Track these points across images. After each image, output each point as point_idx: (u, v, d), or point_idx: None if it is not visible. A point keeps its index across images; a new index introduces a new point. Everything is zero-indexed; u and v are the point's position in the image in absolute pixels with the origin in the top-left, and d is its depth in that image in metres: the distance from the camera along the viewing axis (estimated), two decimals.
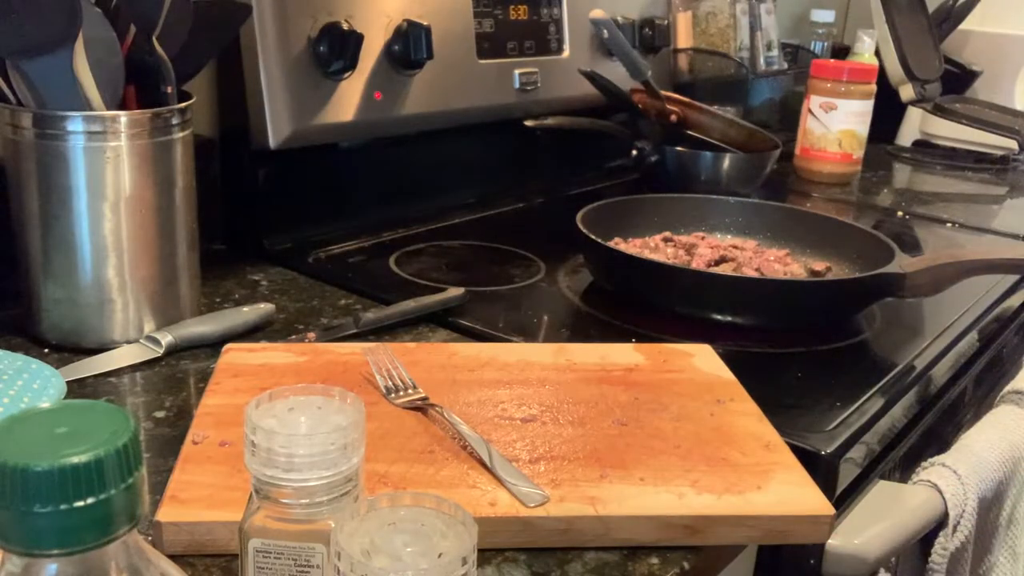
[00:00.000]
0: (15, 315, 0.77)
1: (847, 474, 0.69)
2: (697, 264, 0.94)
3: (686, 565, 0.54)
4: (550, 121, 1.23)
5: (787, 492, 0.57)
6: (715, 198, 1.09)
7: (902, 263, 0.86)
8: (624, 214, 1.04)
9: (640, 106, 1.29)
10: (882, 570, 0.71)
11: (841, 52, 1.82)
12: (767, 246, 1.02)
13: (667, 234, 1.03)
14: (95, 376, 0.71)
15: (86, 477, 0.27)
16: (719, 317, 0.85)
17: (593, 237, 0.89)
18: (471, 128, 1.19)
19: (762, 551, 0.69)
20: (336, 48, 0.97)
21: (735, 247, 0.99)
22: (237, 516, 0.40)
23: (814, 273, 0.97)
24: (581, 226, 0.91)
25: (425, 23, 1.04)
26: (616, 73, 1.28)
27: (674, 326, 0.84)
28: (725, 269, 0.93)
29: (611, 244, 0.93)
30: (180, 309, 0.79)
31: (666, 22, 1.45)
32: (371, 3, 1.02)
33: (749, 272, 0.92)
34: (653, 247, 1.00)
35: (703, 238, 1.03)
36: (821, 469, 0.65)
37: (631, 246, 0.99)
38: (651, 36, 1.42)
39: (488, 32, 1.17)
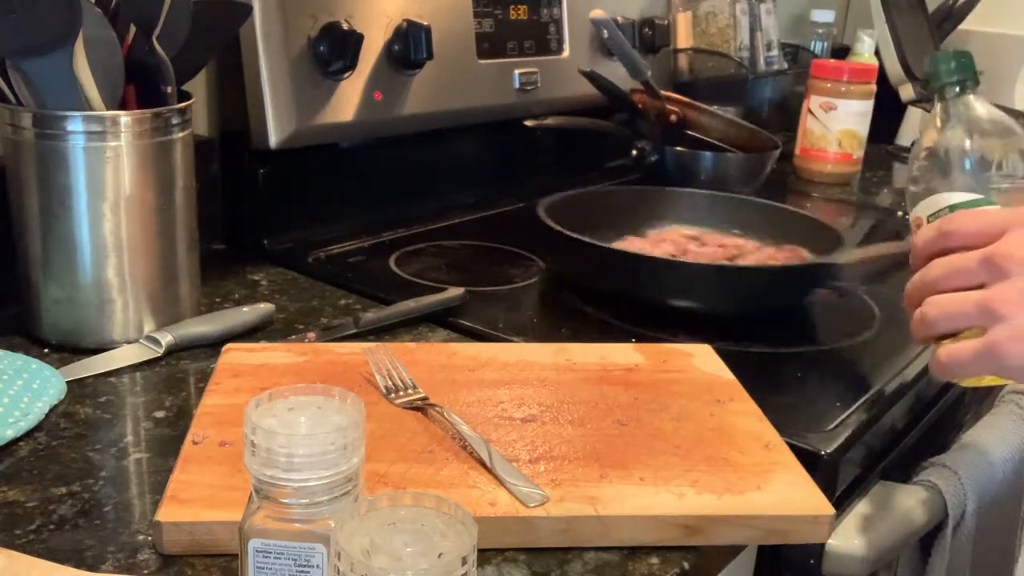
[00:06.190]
0: (15, 315, 0.77)
1: (847, 474, 0.69)
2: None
3: (686, 565, 0.54)
4: (550, 121, 1.23)
5: (787, 492, 0.57)
6: (716, 194, 1.09)
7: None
8: (628, 211, 1.04)
9: (640, 106, 1.29)
10: (882, 570, 0.71)
11: (841, 52, 1.82)
12: (767, 246, 1.02)
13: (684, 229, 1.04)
14: (95, 376, 0.71)
15: None
16: (677, 304, 0.86)
17: (555, 226, 0.90)
18: (471, 128, 1.19)
19: (762, 551, 0.69)
20: (336, 48, 0.97)
21: (735, 247, 0.99)
22: (237, 516, 0.40)
23: None
24: (545, 217, 0.92)
25: (425, 23, 1.04)
26: (616, 73, 1.28)
27: (674, 326, 0.84)
28: None
29: (622, 242, 0.94)
30: (180, 309, 0.79)
31: (666, 22, 1.45)
32: (371, 3, 1.02)
33: None
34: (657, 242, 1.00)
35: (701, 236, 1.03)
36: (821, 469, 0.65)
37: (633, 243, 0.99)
38: (651, 36, 1.42)
39: (488, 32, 1.17)
